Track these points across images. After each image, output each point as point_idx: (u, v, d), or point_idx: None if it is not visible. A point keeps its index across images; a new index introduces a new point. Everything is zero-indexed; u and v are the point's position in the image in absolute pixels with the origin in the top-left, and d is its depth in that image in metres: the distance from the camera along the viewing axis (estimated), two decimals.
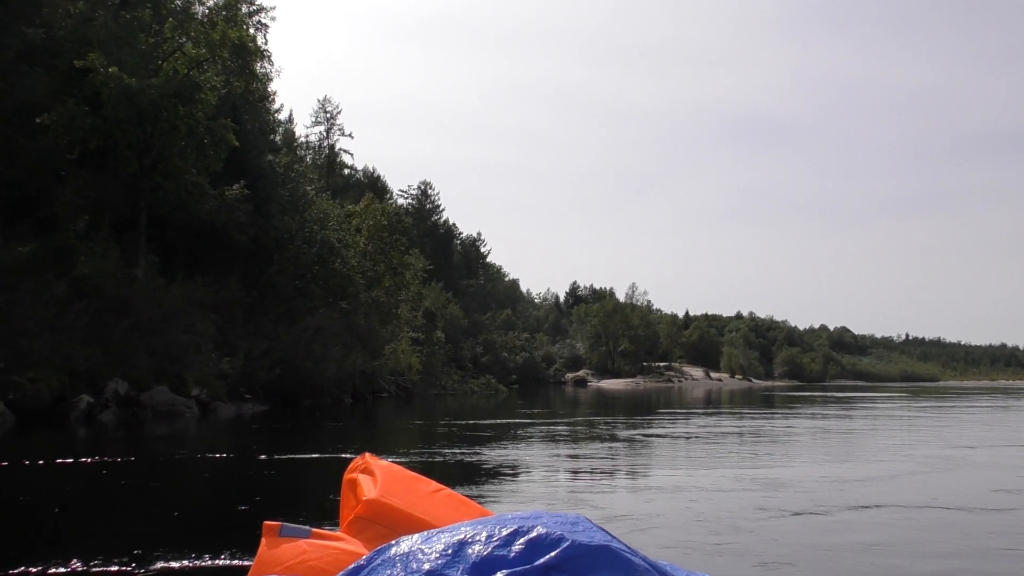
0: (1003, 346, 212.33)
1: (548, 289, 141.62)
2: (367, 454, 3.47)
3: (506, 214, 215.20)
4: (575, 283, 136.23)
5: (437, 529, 2.39)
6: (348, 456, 12.45)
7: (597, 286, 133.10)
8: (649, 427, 21.62)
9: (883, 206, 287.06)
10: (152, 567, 5.71)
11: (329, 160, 68.10)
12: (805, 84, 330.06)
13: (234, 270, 28.92)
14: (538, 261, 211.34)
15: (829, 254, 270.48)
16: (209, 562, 5.87)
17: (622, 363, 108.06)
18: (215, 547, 6.25)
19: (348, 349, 31.79)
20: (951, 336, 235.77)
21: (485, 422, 23.76)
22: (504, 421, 24.31)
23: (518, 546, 2.16)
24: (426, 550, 2.21)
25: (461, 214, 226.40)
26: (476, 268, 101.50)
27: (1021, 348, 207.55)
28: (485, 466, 12.22)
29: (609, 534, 2.35)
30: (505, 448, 15.14)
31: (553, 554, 2.13)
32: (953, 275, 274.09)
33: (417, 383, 41.93)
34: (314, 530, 2.99)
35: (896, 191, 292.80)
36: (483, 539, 2.21)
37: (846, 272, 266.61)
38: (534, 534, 2.20)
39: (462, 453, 14.20)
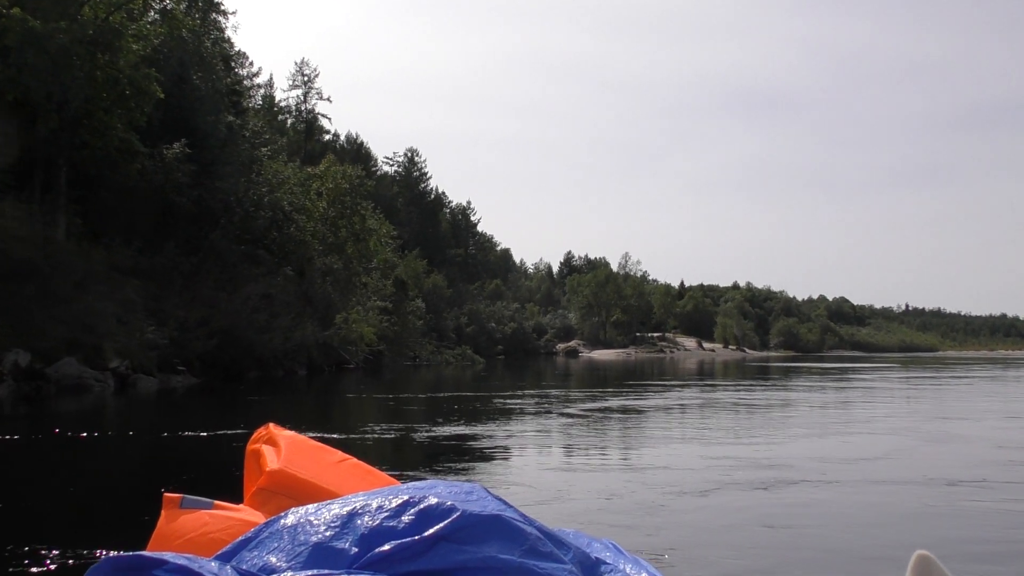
0: (1003, 316, 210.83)
1: (541, 259, 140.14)
2: (271, 424, 3.31)
3: (504, 184, 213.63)
4: (569, 253, 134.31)
5: (328, 500, 2.32)
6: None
7: (593, 256, 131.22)
8: (628, 399, 20.44)
9: (886, 177, 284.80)
10: (35, 560, 4.88)
11: (307, 125, 66.18)
12: (811, 55, 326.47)
13: (174, 234, 27.21)
14: (534, 231, 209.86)
15: (830, 225, 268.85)
16: (92, 548, 5.10)
17: (614, 333, 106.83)
18: (106, 528, 5.71)
19: (299, 318, 30.11)
20: (951, 306, 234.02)
21: (445, 395, 22.51)
22: (468, 394, 23.02)
23: (408, 517, 2.12)
24: (315, 522, 2.14)
25: (459, 184, 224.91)
26: (466, 237, 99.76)
27: (1021, 318, 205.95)
28: (424, 443, 11.22)
29: (504, 503, 2.29)
30: (456, 424, 13.78)
31: (443, 524, 2.10)
32: (954, 245, 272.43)
33: (385, 354, 40.35)
34: (216, 502, 2.86)
35: (899, 162, 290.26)
36: (373, 510, 2.16)
37: (846, 243, 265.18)
38: (424, 505, 2.15)
39: (399, 429, 12.95)
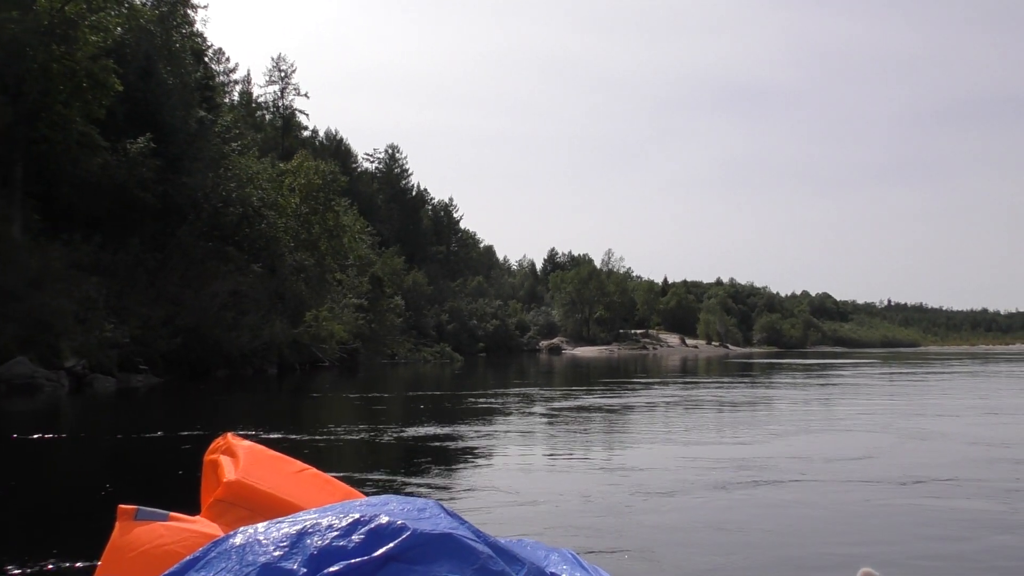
0: (984, 311, 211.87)
1: (525, 256, 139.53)
2: (229, 434, 3.26)
3: (488, 181, 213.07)
4: (553, 249, 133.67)
5: (279, 519, 2.27)
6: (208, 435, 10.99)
7: (577, 253, 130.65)
8: (606, 397, 20.08)
9: (868, 173, 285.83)
10: None
11: (284, 121, 65.41)
12: (796, 50, 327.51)
13: (140, 231, 26.56)
14: (518, 228, 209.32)
15: (813, 221, 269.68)
16: (43, 561, 4.88)
17: (597, 330, 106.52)
18: (60, 539, 5.47)
19: (269, 316, 29.50)
20: (933, 301, 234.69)
21: (416, 394, 22.05)
22: (439, 393, 22.61)
23: (358, 536, 2.10)
24: (263, 541, 2.12)
25: (442, 182, 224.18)
26: (448, 234, 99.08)
27: (1002, 313, 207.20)
28: (390, 447, 10.85)
29: (458, 520, 2.28)
30: (425, 425, 13.32)
31: (392, 544, 2.07)
32: (936, 241, 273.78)
33: (360, 352, 39.73)
34: (172, 513, 2.75)
35: (882, 158, 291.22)
36: (323, 529, 2.13)
37: (830, 238, 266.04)
38: (375, 524, 2.13)
39: (363, 431, 12.53)
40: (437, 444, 11.00)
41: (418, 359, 50.01)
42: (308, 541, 2.09)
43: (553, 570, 2.45)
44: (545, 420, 14.82)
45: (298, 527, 2.15)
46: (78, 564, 4.83)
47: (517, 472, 8.86)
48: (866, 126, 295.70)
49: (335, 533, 2.11)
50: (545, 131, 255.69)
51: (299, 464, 3.21)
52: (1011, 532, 6.14)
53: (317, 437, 11.67)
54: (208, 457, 3.20)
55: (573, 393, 22.05)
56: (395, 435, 11.96)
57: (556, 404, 18.15)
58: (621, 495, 7.36)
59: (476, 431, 12.61)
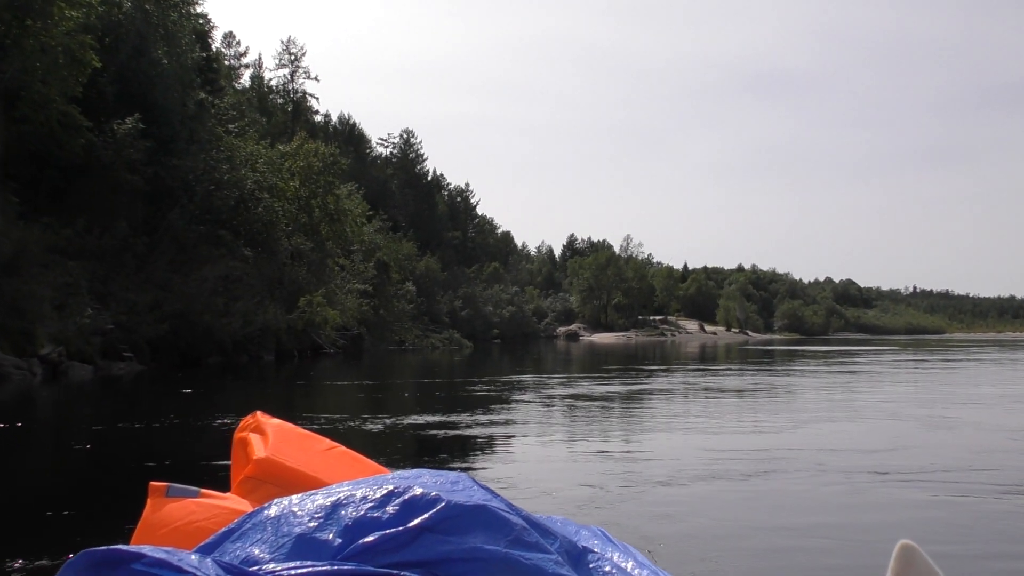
0: (1012, 298, 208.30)
1: (543, 242, 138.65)
2: (258, 413, 3.26)
3: (507, 168, 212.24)
4: (572, 235, 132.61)
5: (312, 491, 2.29)
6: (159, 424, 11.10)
7: (596, 239, 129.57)
8: (616, 385, 19.29)
9: (895, 160, 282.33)
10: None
11: (295, 105, 64.65)
12: (826, 37, 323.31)
13: (128, 214, 25.80)
14: (538, 214, 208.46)
15: (838, 207, 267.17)
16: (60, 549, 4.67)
17: (615, 317, 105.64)
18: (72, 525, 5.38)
19: (263, 301, 28.69)
20: (959, 288, 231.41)
21: (413, 381, 21.32)
22: (435, 381, 21.85)
23: (392, 507, 2.10)
24: (298, 513, 2.13)
25: (461, 168, 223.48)
26: (464, 220, 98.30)
27: None
28: (389, 437, 10.32)
29: (491, 492, 2.27)
30: (423, 414, 12.60)
31: (427, 515, 2.08)
32: (963, 227, 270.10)
33: (365, 338, 38.94)
34: (203, 490, 2.77)
35: (907, 144, 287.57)
36: (357, 500, 2.15)
37: (854, 225, 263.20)
38: (409, 495, 2.14)
39: (360, 421, 11.90)
40: (434, 432, 10.42)
41: (426, 346, 49.18)
42: (342, 512, 2.08)
43: (585, 544, 2.42)
44: (556, 409, 14.24)
45: (332, 499, 2.14)
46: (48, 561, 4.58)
47: (525, 463, 8.55)
48: (890, 112, 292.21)
49: (369, 504, 2.09)
50: (566, 118, 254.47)
51: (328, 442, 3.23)
52: None
53: (312, 429, 10.90)
54: (238, 435, 3.22)
55: (587, 380, 21.22)
56: (390, 424, 11.34)
57: (568, 391, 17.50)
58: (632, 484, 7.19)
59: (476, 420, 11.90)
